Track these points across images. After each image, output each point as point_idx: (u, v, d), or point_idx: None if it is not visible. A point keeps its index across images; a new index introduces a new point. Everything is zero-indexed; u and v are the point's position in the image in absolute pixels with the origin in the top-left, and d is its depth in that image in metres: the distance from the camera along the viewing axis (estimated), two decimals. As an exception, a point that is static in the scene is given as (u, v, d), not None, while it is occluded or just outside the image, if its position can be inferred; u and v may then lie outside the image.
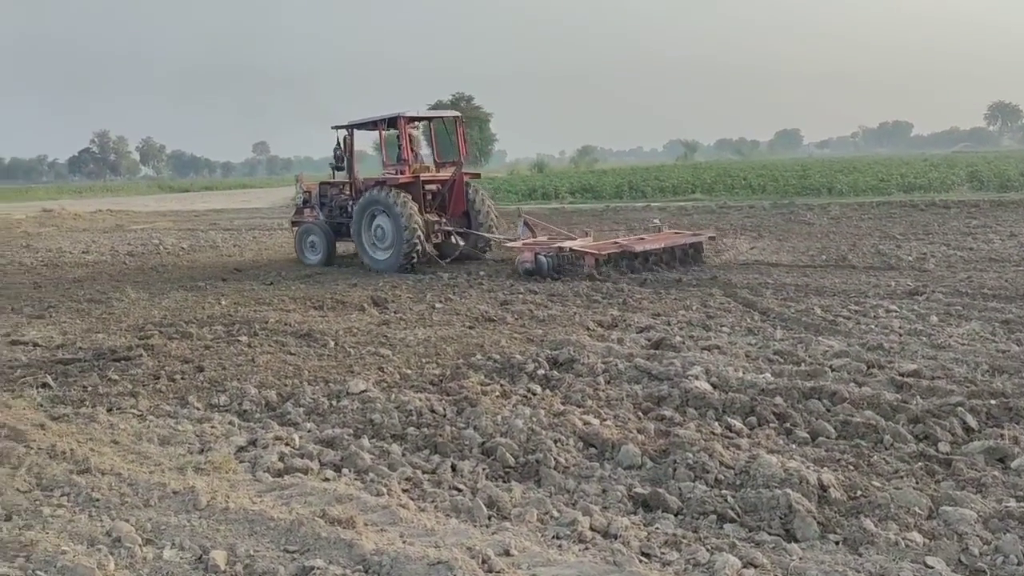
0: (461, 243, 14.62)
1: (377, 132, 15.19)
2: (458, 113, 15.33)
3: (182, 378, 7.05)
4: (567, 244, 12.73)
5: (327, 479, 4.65)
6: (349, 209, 14.84)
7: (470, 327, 8.79)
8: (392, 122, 14.30)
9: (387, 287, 11.86)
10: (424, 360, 7.33)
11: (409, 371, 6.97)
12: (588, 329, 8.45)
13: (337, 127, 15.24)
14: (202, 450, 5.23)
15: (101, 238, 22.93)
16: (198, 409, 6.17)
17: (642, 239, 13.32)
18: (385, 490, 4.39)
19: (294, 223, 16.36)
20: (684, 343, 7.51)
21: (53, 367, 7.73)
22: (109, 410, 6.17)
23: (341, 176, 15.78)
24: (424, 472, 4.74)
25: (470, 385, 6.33)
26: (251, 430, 5.60)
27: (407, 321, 9.26)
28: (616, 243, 13.05)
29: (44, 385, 7.10)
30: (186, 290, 12.35)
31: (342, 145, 15.30)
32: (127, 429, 5.67)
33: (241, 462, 4.93)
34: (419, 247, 13.50)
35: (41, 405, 6.39)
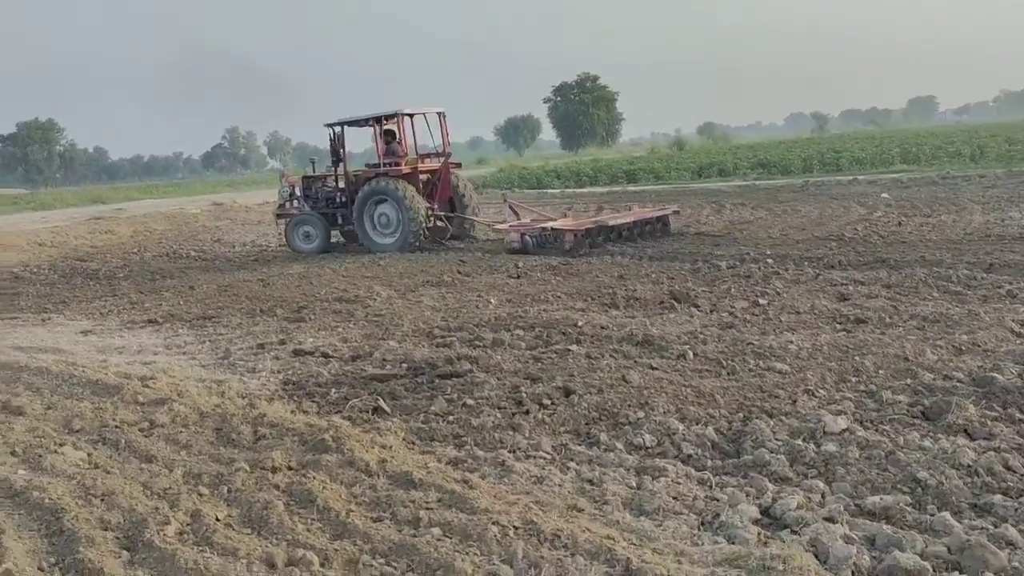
0: (449, 226, 16.01)
1: (370, 128, 16.27)
2: (443, 109, 16.18)
3: (552, 403, 5.69)
4: (549, 224, 14.14)
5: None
6: (338, 200, 16.47)
7: (847, 331, 7.12)
8: (390, 118, 15.84)
9: (663, 278, 10.34)
10: (853, 379, 5.72)
11: (852, 394, 5.39)
12: (1015, 333, 6.66)
13: (330, 124, 16.23)
14: (702, 523, 3.80)
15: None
16: (621, 451, 4.77)
17: (615, 215, 15.13)
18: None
19: (279, 216, 17.49)
20: None
21: (369, 384, 6.56)
22: (512, 452, 4.84)
23: (324, 171, 17.30)
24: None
25: (976, 417, 4.70)
26: (742, 488, 4.12)
27: (753, 323, 7.66)
28: (592, 220, 14.59)
29: (377, 410, 5.91)
30: (433, 285, 11.18)
31: (336, 141, 16.24)
32: (564, 484, 4.31)
33: (805, 550, 3.44)
34: (423, 231, 15.15)
35: (413, 443, 5.13)
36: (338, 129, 16.20)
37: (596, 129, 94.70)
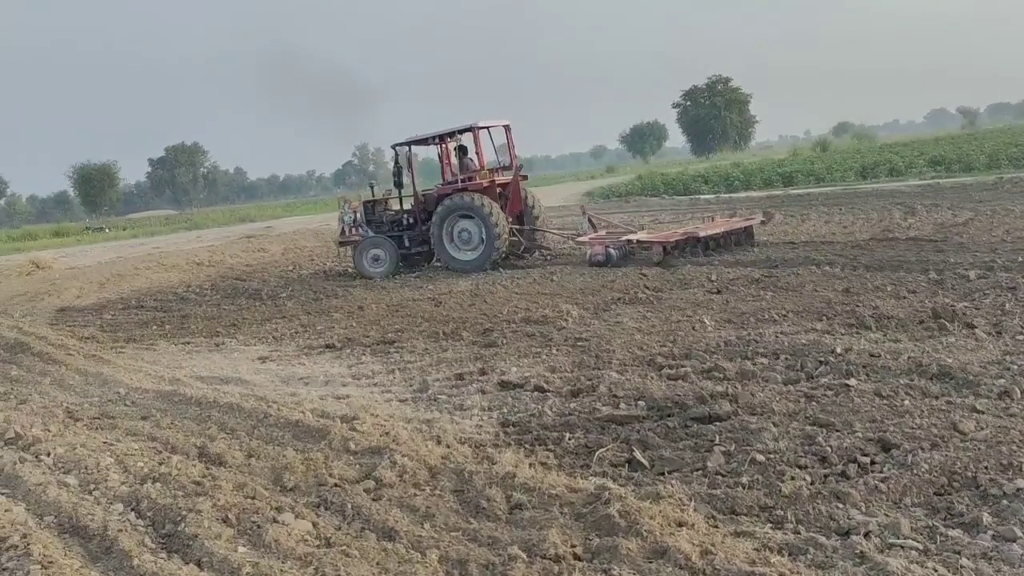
0: (522, 240, 15.46)
1: (439, 145, 15.96)
2: (508, 122, 15.77)
3: (873, 462, 4.43)
4: (633, 236, 13.96)
5: None
6: (404, 222, 16.11)
7: None
8: (464, 132, 15.45)
9: (903, 291, 8.85)
10: None
11: None
12: None
13: (398, 144, 15.85)
14: None
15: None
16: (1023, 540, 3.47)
17: (698, 227, 14.41)
18: None
19: (342, 243, 16.63)
20: None
21: (608, 428, 5.49)
22: (864, 536, 3.62)
23: (384, 193, 16.80)
24: None
25: None
26: None
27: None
28: (683, 231, 14.07)
29: (632, 463, 4.83)
30: (626, 303, 10.04)
31: (403, 162, 15.86)
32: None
33: None
34: (506, 245, 14.74)
35: (714, 519, 3.98)
36: (405, 149, 15.91)
37: (728, 133, 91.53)
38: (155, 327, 12.05)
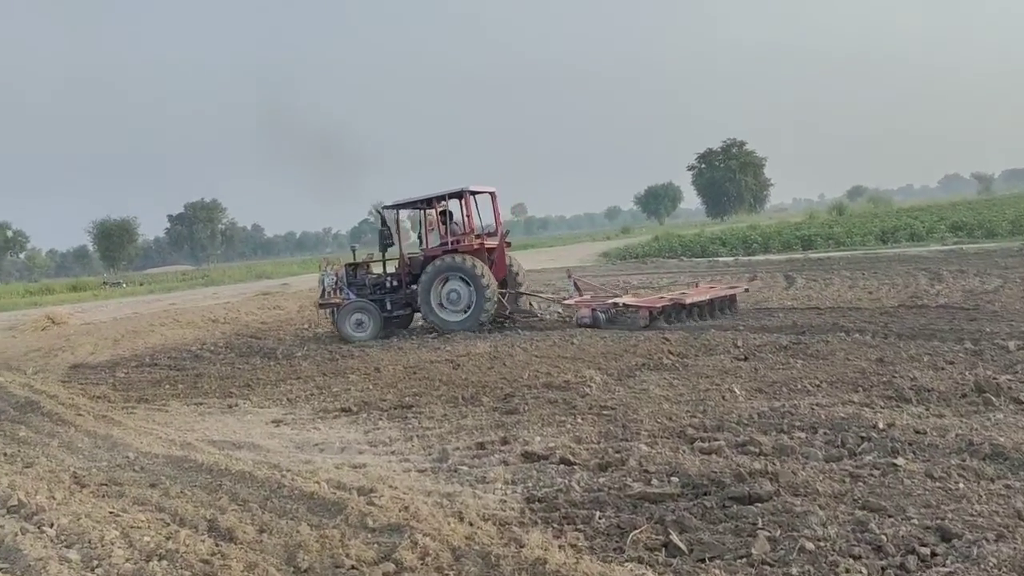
0: (506, 304, 15.58)
1: (425, 209, 16.16)
2: (495, 189, 16.11)
3: (933, 553, 4.10)
4: (619, 300, 14.30)
5: None
6: (387, 285, 16.11)
7: None
8: (454, 196, 15.66)
9: (940, 362, 8.53)
10: None
11: None
12: None
13: (386, 207, 16.29)
14: None
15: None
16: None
17: (684, 293, 14.76)
18: None
19: (322, 305, 16.43)
20: None
21: (640, 507, 5.17)
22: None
23: (366, 256, 16.96)
24: None
25: None
26: None
27: None
28: (667, 297, 14.29)
29: (667, 546, 4.51)
30: (650, 368, 9.75)
31: (392, 224, 16.03)
32: None
33: None
34: (495, 308, 14.88)
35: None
36: (392, 213, 16.25)
37: (743, 195, 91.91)
38: (168, 386, 11.84)
